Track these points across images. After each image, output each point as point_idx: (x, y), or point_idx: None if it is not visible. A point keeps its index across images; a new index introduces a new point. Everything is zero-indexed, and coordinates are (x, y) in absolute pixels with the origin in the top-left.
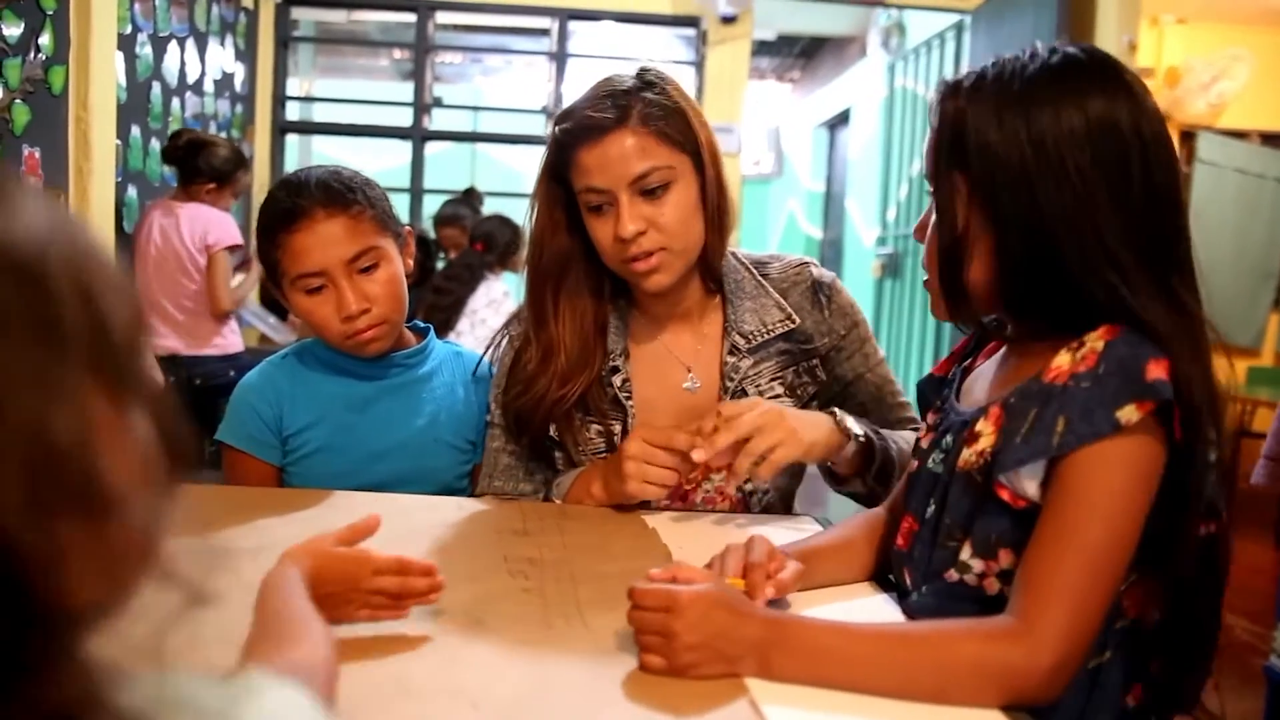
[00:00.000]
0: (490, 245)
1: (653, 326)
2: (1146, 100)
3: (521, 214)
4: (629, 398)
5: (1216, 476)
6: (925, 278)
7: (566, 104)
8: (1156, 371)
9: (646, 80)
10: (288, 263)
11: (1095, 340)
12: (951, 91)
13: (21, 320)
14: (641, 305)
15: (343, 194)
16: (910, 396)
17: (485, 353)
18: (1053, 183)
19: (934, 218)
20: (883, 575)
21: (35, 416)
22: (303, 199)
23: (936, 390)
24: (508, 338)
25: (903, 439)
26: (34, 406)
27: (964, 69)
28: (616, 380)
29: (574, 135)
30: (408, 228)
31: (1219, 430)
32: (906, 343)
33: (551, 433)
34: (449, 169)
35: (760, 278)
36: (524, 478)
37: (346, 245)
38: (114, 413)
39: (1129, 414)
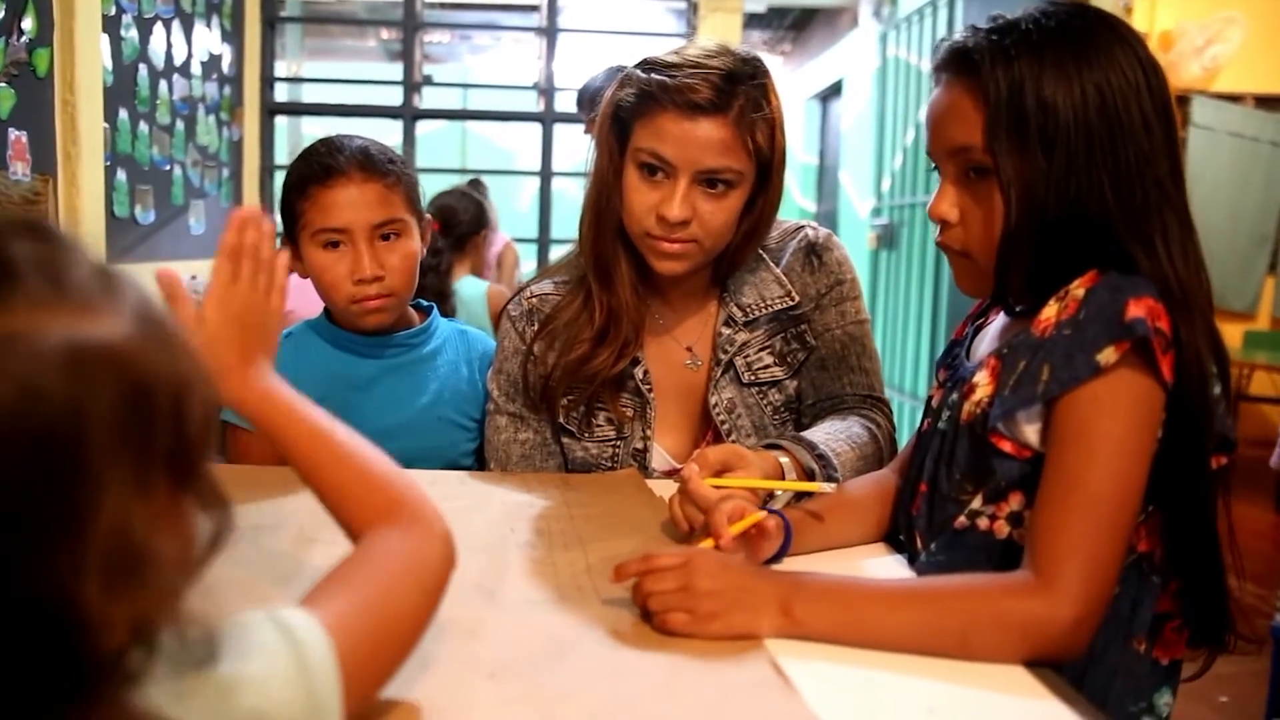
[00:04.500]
0: (448, 224)
1: (663, 308)
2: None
3: (513, 192)
4: (650, 389)
5: (1225, 409)
6: (955, 253)
7: (556, 79)
8: (1136, 310)
9: (754, 71)
10: (313, 214)
11: (1077, 288)
12: (1000, 58)
13: (123, 426)
14: (654, 284)
15: (381, 163)
16: (902, 372)
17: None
18: (1121, 135)
19: (1005, 193)
20: (893, 537)
21: (121, 517)
22: (342, 157)
23: (949, 353)
24: (508, 318)
25: (853, 445)
26: (122, 509)
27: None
28: (638, 372)
29: (667, 94)
30: (430, 218)
31: (1222, 364)
32: (904, 314)
33: (564, 420)
34: (440, 148)
35: (760, 250)
36: (540, 466)
37: (375, 210)
38: (174, 502)
39: (1108, 356)
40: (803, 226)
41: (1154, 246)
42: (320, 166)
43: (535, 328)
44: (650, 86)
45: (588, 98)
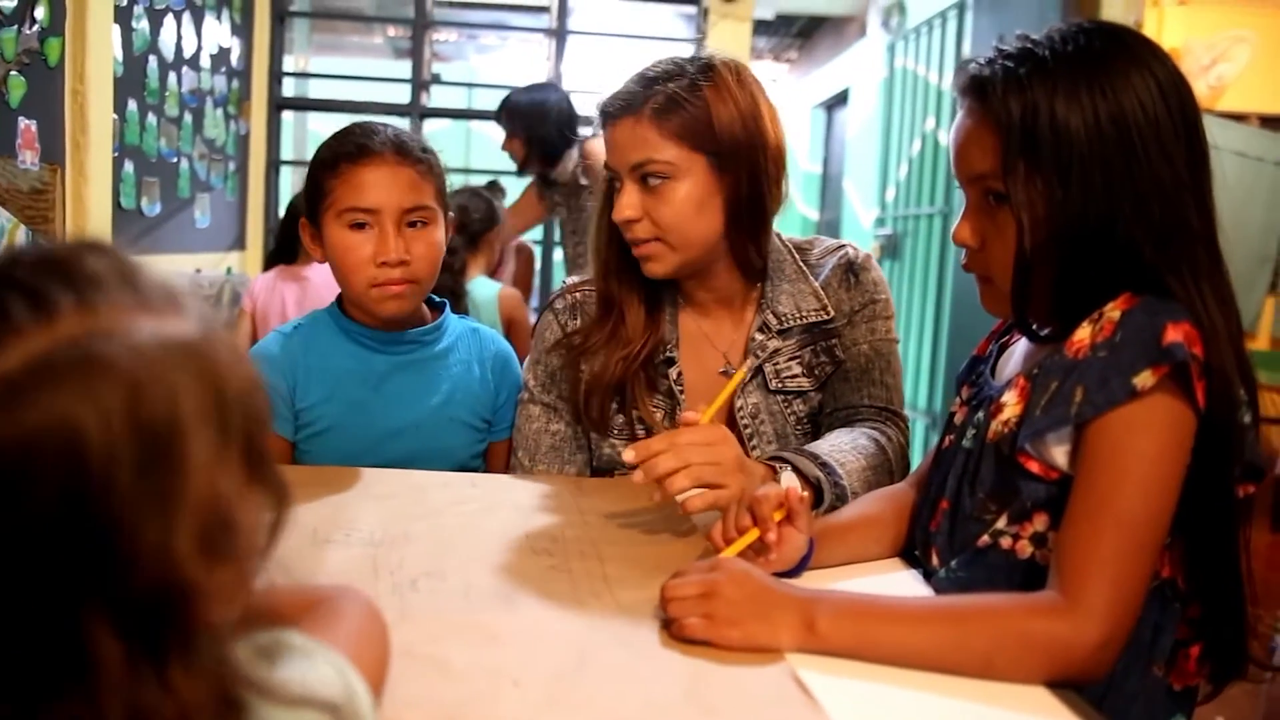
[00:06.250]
0: (462, 223)
1: (697, 314)
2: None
3: (514, 194)
4: (682, 391)
5: (1255, 437)
6: (979, 277)
7: (564, 81)
8: (1174, 335)
9: (686, 70)
10: (343, 191)
11: (1112, 310)
12: (1014, 85)
13: (204, 406)
14: (683, 289)
15: (415, 150)
16: (924, 390)
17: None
18: (1136, 162)
19: (1018, 220)
20: (909, 553)
21: (211, 486)
22: (378, 139)
23: (972, 370)
24: (551, 310)
25: (860, 455)
26: (210, 478)
27: (967, 49)
28: (672, 373)
29: (599, 113)
30: (453, 215)
31: (1251, 391)
32: (906, 325)
33: (593, 411)
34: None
35: (801, 263)
36: (568, 458)
37: (407, 194)
38: (246, 490)
39: (1145, 379)
40: (844, 245)
41: (1182, 276)
42: (355, 145)
43: (578, 321)
44: (598, 112)
45: (504, 113)
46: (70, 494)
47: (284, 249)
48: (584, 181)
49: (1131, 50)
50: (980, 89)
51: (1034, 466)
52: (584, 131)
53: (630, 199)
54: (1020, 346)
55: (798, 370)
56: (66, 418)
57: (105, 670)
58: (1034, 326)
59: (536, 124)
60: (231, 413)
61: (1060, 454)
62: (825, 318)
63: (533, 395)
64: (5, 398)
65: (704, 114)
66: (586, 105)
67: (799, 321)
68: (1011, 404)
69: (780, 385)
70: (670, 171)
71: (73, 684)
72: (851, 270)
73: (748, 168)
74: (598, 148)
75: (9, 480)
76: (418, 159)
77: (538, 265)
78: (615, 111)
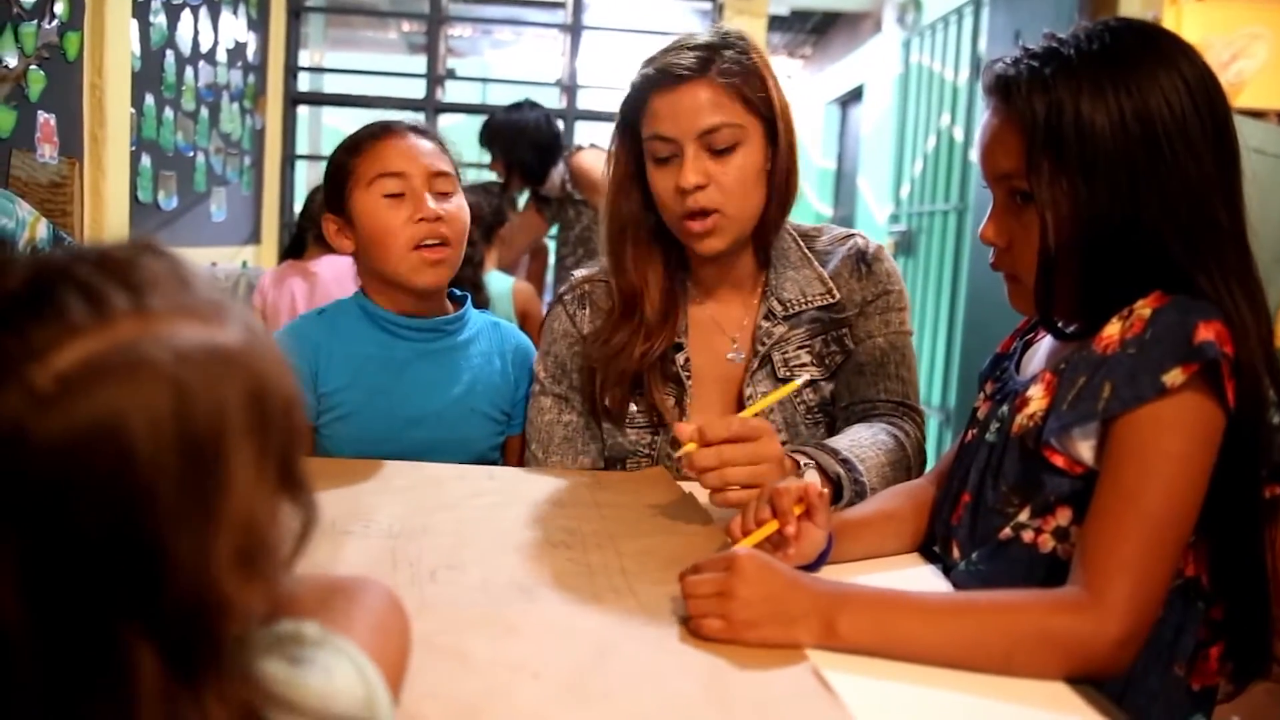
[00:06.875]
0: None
1: (706, 297)
2: (1205, 64)
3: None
4: (689, 376)
5: None
6: (1006, 275)
7: (579, 76)
8: (1206, 334)
9: (730, 39)
10: (368, 164)
11: (1143, 308)
12: (1039, 84)
13: (247, 421)
14: (696, 275)
15: (432, 133)
16: (938, 387)
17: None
18: (1163, 161)
19: (1042, 218)
20: (928, 548)
21: (249, 501)
22: (396, 123)
23: (996, 366)
24: (560, 302)
25: (880, 451)
26: (249, 493)
27: (983, 46)
28: (680, 358)
29: (652, 80)
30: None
31: None
32: (921, 322)
33: (608, 401)
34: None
35: (806, 250)
36: (582, 449)
37: (431, 160)
38: (278, 498)
39: (1174, 377)
40: (853, 235)
41: (1211, 275)
42: (377, 126)
43: (586, 311)
44: (640, 81)
45: (485, 135)
46: (114, 497)
47: (296, 244)
48: (577, 196)
49: (1159, 48)
50: (1005, 88)
51: (1059, 461)
52: (578, 138)
53: (698, 165)
54: (1045, 343)
55: (807, 359)
56: (116, 420)
57: (142, 684)
58: (1059, 324)
59: (514, 145)
60: (272, 426)
61: (1086, 449)
62: (831, 301)
63: (544, 387)
64: (58, 395)
65: (760, 78)
66: (596, 102)
67: (805, 307)
68: (1037, 398)
69: (789, 374)
70: (740, 136)
71: (107, 697)
72: (864, 260)
73: (786, 139)
74: (587, 160)
75: (55, 478)
76: (437, 138)
77: (550, 260)
78: (684, 74)
